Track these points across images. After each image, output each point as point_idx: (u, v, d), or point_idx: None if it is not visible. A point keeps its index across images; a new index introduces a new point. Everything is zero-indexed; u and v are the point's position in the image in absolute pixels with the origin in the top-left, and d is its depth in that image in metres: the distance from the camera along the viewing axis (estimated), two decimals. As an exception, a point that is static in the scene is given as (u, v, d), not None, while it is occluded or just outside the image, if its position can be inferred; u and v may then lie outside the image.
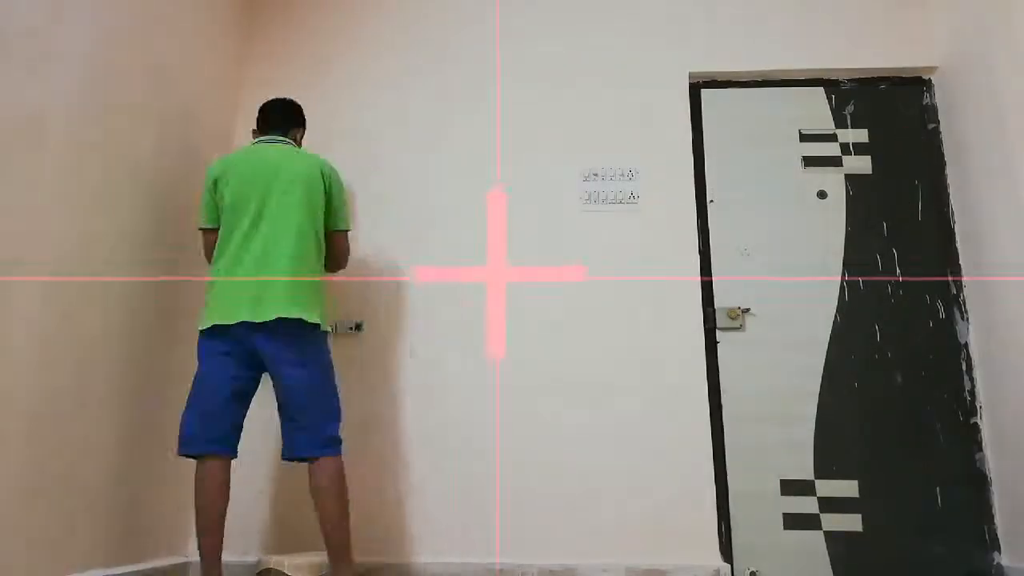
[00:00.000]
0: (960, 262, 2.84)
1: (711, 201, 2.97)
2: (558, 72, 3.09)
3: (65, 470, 2.04)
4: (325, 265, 2.37)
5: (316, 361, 2.18)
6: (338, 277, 2.81)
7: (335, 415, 2.20)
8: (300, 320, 2.13)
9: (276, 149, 2.33)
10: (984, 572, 2.57)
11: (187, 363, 2.71)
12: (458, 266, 2.91)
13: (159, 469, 2.51)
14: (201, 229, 2.37)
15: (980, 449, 2.67)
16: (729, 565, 2.56)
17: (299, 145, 2.50)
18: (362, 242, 2.96)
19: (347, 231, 2.43)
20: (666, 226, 2.90)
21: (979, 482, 2.64)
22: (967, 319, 2.79)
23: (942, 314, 2.82)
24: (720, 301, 2.87)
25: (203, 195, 2.34)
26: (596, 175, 2.97)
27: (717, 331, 2.84)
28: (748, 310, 2.85)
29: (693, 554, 2.56)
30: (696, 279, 2.84)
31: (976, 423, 2.70)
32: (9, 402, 1.84)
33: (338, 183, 2.39)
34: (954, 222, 2.89)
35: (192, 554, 2.66)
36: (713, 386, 2.77)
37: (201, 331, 2.19)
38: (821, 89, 3.07)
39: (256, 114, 3.09)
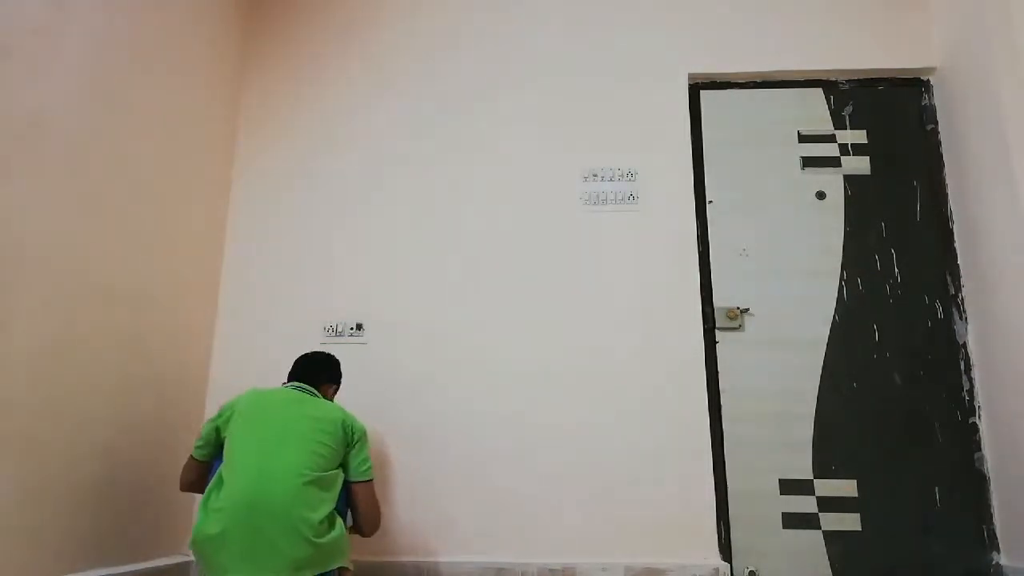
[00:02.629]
0: (959, 262, 2.85)
1: (710, 202, 2.98)
2: (558, 73, 3.10)
3: (65, 470, 2.05)
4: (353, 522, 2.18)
5: None
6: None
7: None
8: None
9: (300, 393, 2.17)
10: (983, 572, 2.57)
11: (189, 362, 2.72)
12: (458, 266, 2.92)
13: (159, 469, 2.51)
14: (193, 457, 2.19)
15: (979, 449, 2.68)
16: (728, 564, 2.57)
17: (329, 399, 2.35)
18: (365, 239, 2.96)
19: (370, 482, 2.17)
20: (665, 227, 2.91)
21: (978, 482, 2.65)
22: (965, 319, 2.80)
23: (940, 314, 2.82)
24: (719, 301, 2.87)
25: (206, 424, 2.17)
26: (596, 176, 2.97)
27: (716, 331, 2.84)
28: (747, 310, 2.86)
29: (692, 553, 2.56)
30: (695, 279, 2.85)
31: (975, 423, 2.70)
32: (9, 402, 1.85)
33: (361, 433, 2.17)
34: (952, 222, 2.90)
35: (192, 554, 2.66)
36: (712, 386, 2.78)
37: None
38: (820, 90, 3.08)
39: (257, 113, 3.14)
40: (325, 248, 2.96)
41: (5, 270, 1.84)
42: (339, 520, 2.04)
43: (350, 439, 2.14)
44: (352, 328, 2.86)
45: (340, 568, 2.31)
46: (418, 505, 2.67)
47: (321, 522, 1.93)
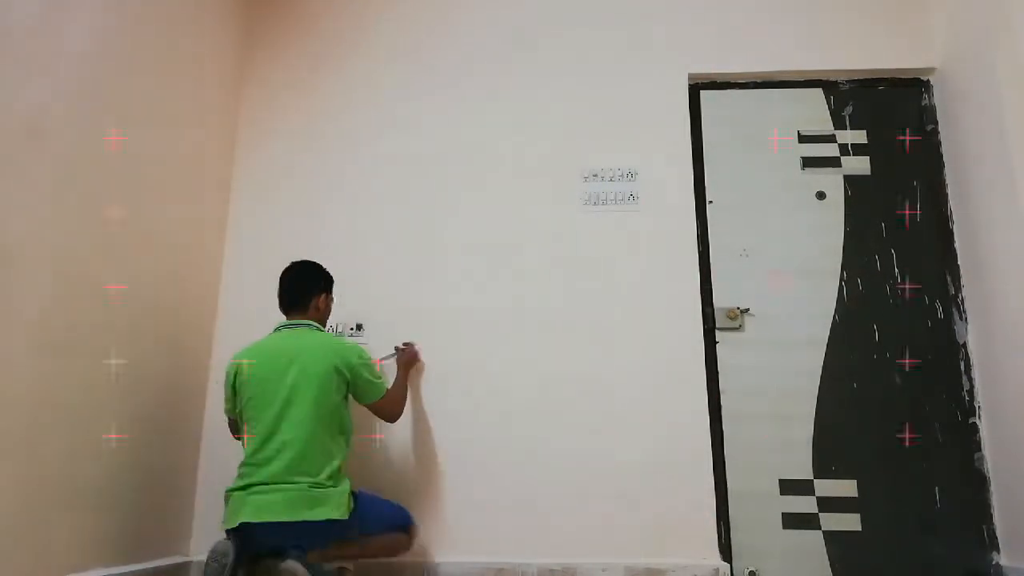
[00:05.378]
0: (959, 262, 2.85)
1: (710, 202, 2.98)
2: (558, 73, 3.10)
3: (65, 470, 2.05)
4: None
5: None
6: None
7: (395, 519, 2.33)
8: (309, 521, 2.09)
9: (291, 339, 2.28)
10: (983, 572, 2.57)
11: (189, 363, 2.72)
12: (459, 266, 2.92)
13: (159, 469, 2.51)
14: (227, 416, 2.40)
15: (979, 449, 2.68)
16: (728, 564, 2.57)
17: (323, 311, 2.45)
18: (365, 239, 2.96)
19: (383, 396, 2.38)
20: (665, 227, 2.91)
21: (978, 482, 2.65)
22: (966, 319, 2.80)
23: (940, 314, 2.82)
24: (719, 301, 2.87)
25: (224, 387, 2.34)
26: (596, 176, 2.97)
27: (716, 331, 2.84)
28: (747, 310, 2.86)
29: (692, 553, 2.56)
30: (695, 279, 2.85)
31: (975, 423, 2.70)
32: (9, 402, 1.85)
33: (357, 365, 2.29)
34: (952, 222, 2.90)
35: (192, 554, 2.66)
36: (712, 386, 2.77)
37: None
38: (820, 90, 3.08)
39: (257, 112, 3.14)
40: (325, 247, 2.95)
41: (5, 270, 1.84)
42: (346, 479, 2.20)
43: (347, 377, 2.27)
44: (352, 328, 2.86)
45: (340, 568, 2.33)
46: (418, 505, 2.67)
47: (329, 476, 2.13)
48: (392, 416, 2.47)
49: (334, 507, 2.10)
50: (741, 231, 2.94)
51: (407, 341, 2.77)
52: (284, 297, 2.41)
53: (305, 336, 2.30)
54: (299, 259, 2.49)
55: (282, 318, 2.42)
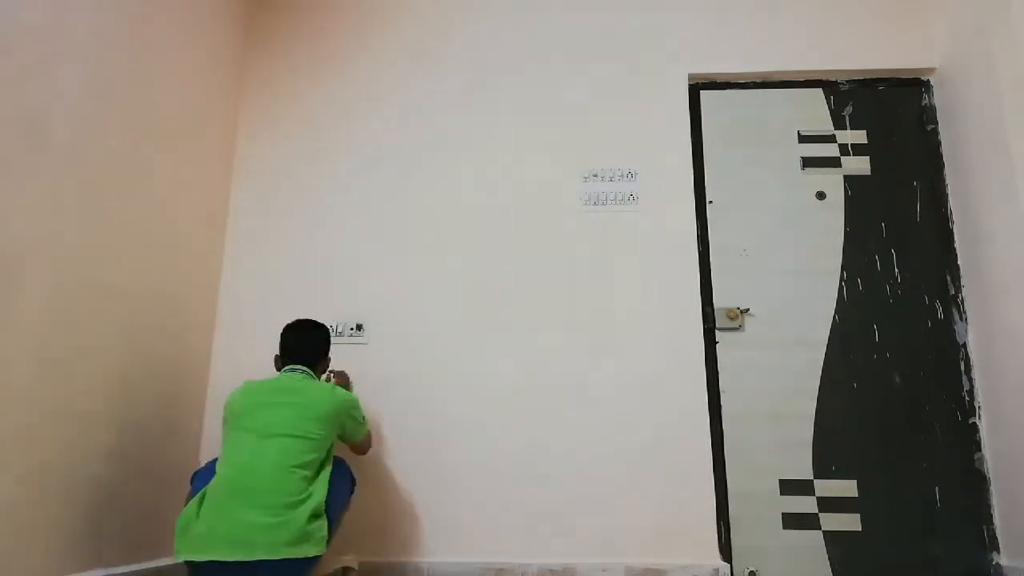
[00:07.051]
0: (959, 262, 2.85)
1: (710, 202, 2.98)
2: (558, 73, 3.10)
3: (65, 470, 2.05)
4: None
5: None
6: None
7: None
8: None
9: (291, 381, 2.22)
10: (982, 572, 2.57)
11: (189, 364, 2.72)
12: (458, 267, 2.92)
13: (159, 469, 2.51)
14: None
15: (979, 449, 2.68)
16: (728, 565, 2.57)
17: (319, 375, 2.39)
18: (365, 239, 2.96)
19: (365, 436, 2.38)
20: (665, 226, 2.91)
21: (978, 482, 2.65)
22: (966, 319, 2.80)
23: (941, 314, 2.82)
24: (719, 301, 2.87)
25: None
26: (596, 176, 2.97)
27: (716, 331, 2.84)
28: (747, 310, 2.86)
29: (692, 553, 2.56)
30: (695, 279, 2.85)
31: (975, 423, 2.70)
32: (10, 402, 1.85)
33: (348, 413, 2.26)
34: (952, 223, 2.90)
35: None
36: (712, 386, 2.77)
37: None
38: (820, 90, 3.08)
39: (257, 113, 3.14)
40: (325, 248, 2.96)
41: (5, 270, 1.84)
42: (324, 517, 2.07)
43: (340, 422, 2.22)
44: (352, 328, 2.86)
45: (345, 568, 2.33)
46: (418, 505, 2.67)
47: (312, 515, 1.99)
48: (366, 451, 2.46)
49: (314, 544, 1.99)
50: (741, 231, 2.94)
51: (334, 370, 2.67)
52: (294, 354, 2.33)
53: (305, 381, 2.24)
54: (304, 317, 2.46)
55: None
